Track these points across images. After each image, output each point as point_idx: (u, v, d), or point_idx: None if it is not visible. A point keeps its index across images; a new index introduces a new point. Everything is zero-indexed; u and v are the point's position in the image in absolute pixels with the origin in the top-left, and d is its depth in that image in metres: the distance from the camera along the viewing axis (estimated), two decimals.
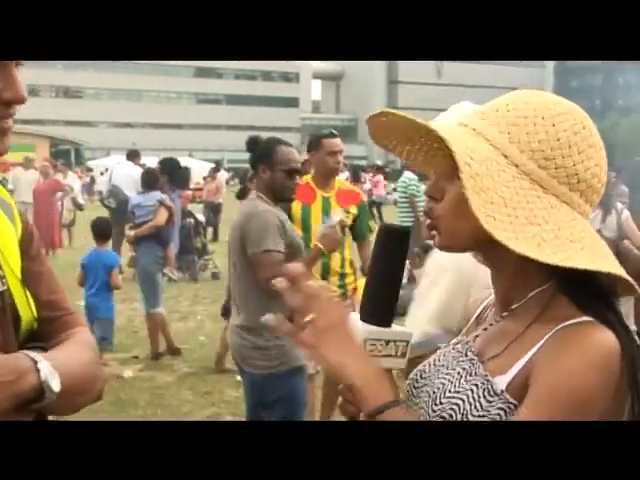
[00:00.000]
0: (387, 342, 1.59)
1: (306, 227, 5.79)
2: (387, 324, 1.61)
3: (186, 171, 15.62)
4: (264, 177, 5.03)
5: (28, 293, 1.76)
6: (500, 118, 1.54)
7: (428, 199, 1.63)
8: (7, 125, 1.64)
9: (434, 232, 1.63)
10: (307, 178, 6.08)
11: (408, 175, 12.67)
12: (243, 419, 7.32)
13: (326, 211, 5.96)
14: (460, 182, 1.44)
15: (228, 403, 8.09)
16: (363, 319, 1.61)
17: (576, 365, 1.42)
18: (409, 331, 1.64)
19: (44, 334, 1.77)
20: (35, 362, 1.56)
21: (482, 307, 1.77)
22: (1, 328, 1.68)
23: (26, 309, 1.75)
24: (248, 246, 4.78)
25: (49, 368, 1.57)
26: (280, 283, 1.50)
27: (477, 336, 1.67)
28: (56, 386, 1.57)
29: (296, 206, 5.75)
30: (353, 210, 6.16)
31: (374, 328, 1.59)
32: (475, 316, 1.78)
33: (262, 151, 5.09)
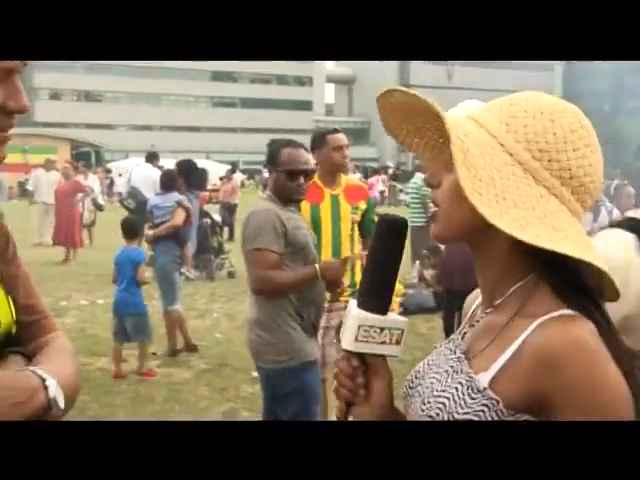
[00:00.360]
0: (382, 329, 1.59)
1: (316, 227, 5.60)
2: (383, 312, 1.61)
3: (203, 173, 15.57)
4: (271, 178, 5.13)
5: (9, 297, 1.73)
6: (502, 112, 1.55)
7: (429, 187, 1.63)
8: (7, 134, 1.63)
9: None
10: (314, 177, 5.70)
11: (420, 177, 12.68)
12: (259, 415, 7.36)
13: (335, 209, 5.87)
14: (454, 168, 1.45)
15: (244, 399, 8.08)
16: (359, 306, 1.61)
17: (585, 369, 1.41)
18: (404, 319, 1.64)
19: (22, 338, 1.74)
20: (43, 380, 1.55)
21: (474, 307, 1.77)
22: None
23: (6, 312, 1.71)
24: (244, 243, 4.86)
25: (56, 386, 1.56)
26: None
27: (465, 333, 1.68)
28: (62, 402, 1.58)
29: (305, 206, 5.55)
30: (362, 205, 6.10)
31: (369, 315, 1.59)
32: (469, 315, 1.77)
33: (269, 153, 5.13)
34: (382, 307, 1.61)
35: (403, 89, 1.58)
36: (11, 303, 1.72)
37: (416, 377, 1.69)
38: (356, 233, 6.06)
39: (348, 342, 1.59)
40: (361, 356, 1.61)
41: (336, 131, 6.20)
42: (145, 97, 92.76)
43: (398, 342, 1.61)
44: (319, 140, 6.03)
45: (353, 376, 1.62)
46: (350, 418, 1.65)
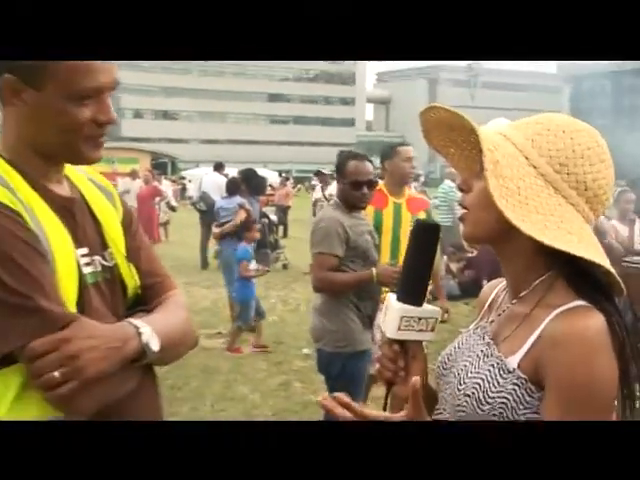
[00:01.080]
0: (419, 319, 1.61)
1: (378, 231, 5.29)
2: (419, 304, 1.62)
3: (262, 179, 15.84)
4: (338, 187, 5.10)
5: (132, 266, 1.81)
6: (528, 129, 1.55)
7: (461, 192, 1.64)
8: (102, 140, 1.69)
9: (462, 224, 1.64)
10: (380, 185, 5.49)
11: (448, 183, 12.82)
12: (309, 386, 7.37)
13: (397, 217, 5.66)
14: (484, 176, 1.46)
15: (296, 372, 8.07)
16: (399, 299, 1.63)
17: (580, 358, 1.42)
18: (437, 309, 1.66)
19: (146, 298, 1.81)
20: (137, 328, 1.62)
21: (494, 294, 1.75)
22: (112, 295, 1.74)
23: (131, 279, 1.80)
24: (311, 246, 4.83)
25: (150, 332, 1.63)
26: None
27: (492, 321, 1.66)
28: (155, 346, 1.63)
29: (369, 210, 5.29)
30: (422, 216, 5.80)
31: (410, 307, 1.61)
32: (488, 303, 1.75)
33: (337, 164, 5.07)
34: (419, 300, 1.63)
35: (445, 106, 1.59)
36: (134, 271, 1.80)
37: (448, 359, 1.69)
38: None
39: (392, 331, 1.61)
40: (401, 343, 1.63)
41: (406, 144, 6.05)
42: (213, 116, 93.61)
43: (433, 329, 1.63)
44: (390, 151, 5.85)
45: (395, 360, 1.64)
46: (390, 398, 1.65)
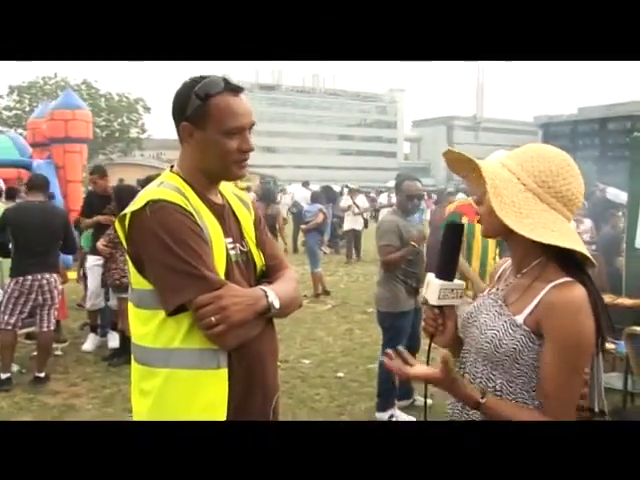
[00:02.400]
0: (452, 290, 1.64)
1: (469, 241, 4.63)
2: (451, 279, 1.65)
3: (335, 192, 16.34)
4: (397, 199, 5.19)
5: (260, 251, 1.85)
6: (518, 157, 1.55)
7: (476, 205, 1.68)
8: (245, 163, 1.73)
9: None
10: (470, 200, 4.74)
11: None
12: (366, 332, 7.32)
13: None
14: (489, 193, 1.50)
15: (357, 322, 8.10)
16: (438, 277, 1.65)
17: (571, 318, 1.44)
18: (462, 282, 1.67)
19: (269, 273, 1.85)
20: (265, 292, 1.69)
21: (501, 270, 1.74)
22: (247, 270, 1.78)
23: (259, 260, 1.84)
24: (376, 240, 4.90)
25: (273, 294, 1.70)
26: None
27: (502, 289, 1.64)
28: (277, 304, 1.70)
29: (464, 220, 4.61)
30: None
31: (445, 282, 1.64)
32: (497, 275, 1.74)
33: (396, 183, 5.15)
34: (451, 277, 1.65)
35: (457, 151, 1.62)
36: (261, 255, 1.85)
37: (471, 316, 1.67)
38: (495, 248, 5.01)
39: (434, 300, 1.64)
40: (440, 307, 1.66)
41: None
42: (302, 150, 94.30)
43: (461, 296, 1.67)
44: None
45: (436, 319, 1.68)
46: (430, 351, 1.67)
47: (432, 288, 1.64)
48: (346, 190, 16.71)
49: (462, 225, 1.70)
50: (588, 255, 1.50)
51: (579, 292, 1.46)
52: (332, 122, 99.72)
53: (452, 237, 1.67)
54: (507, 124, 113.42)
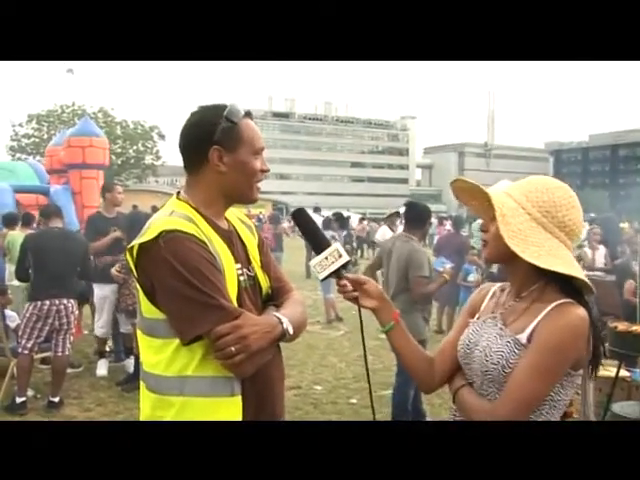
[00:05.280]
0: (325, 258, 1.70)
1: None
2: (321, 251, 1.72)
3: (346, 219, 16.36)
4: (416, 227, 5.04)
5: (265, 274, 1.87)
6: (523, 188, 1.62)
7: (482, 232, 1.70)
8: (259, 185, 1.79)
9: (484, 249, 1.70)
10: None
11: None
12: (379, 358, 7.27)
13: None
14: (497, 222, 1.56)
15: (371, 349, 7.94)
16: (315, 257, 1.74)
17: (561, 328, 1.49)
18: (333, 244, 1.73)
19: (275, 296, 1.86)
20: (279, 319, 1.70)
21: (490, 295, 1.79)
22: (254, 295, 1.80)
23: (265, 283, 1.85)
24: (410, 270, 4.74)
25: (287, 321, 1.71)
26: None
27: (501, 313, 1.67)
28: (291, 331, 1.71)
29: None
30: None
31: (317, 257, 1.72)
32: (485, 303, 1.78)
33: (415, 211, 5.09)
34: (320, 250, 1.72)
35: (466, 179, 1.68)
36: (266, 278, 1.86)
37: (470, 342, 1.69)
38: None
39: (320, 276, 1.72)
40: (338, 277, 1.72)
41: None
42: (313, 177, 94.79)
43: (340, 256, 1.70)
44: None
45: (344, 286, 1.74)
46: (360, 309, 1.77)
47: (313, 270, 1.74)
48: (361, 219, 16.80)
49: (301, 209, 1.82)
50: (588, 282, 1.56)
51: (581, 312, 1.51)
52: (344, 149, 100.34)
53: (302, 220, 1.79)
54: (518, 151, 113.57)
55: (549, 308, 1.53)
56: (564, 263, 1.54)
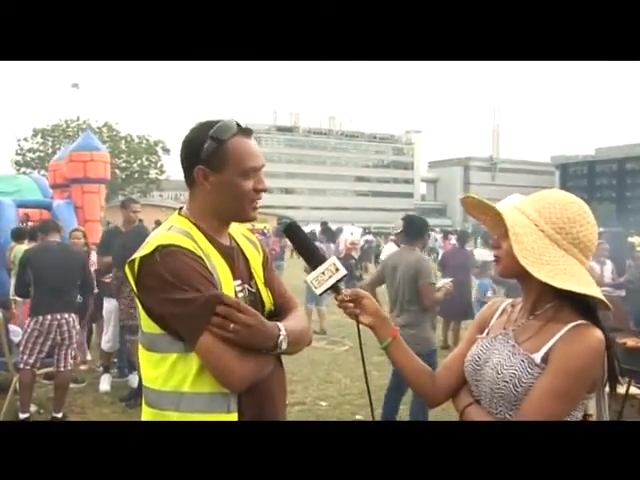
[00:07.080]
0: (322, 272, 1.67)
1: None
2: (317, 266, 1.69)
3: (334, 232, 16.73)
4: (417, 238, 5.21)
5: (268, 290, 1.85)
6: (535, 203, 1.58)
7: (493, 249, 1.67)
8: (257, 204, 1.75)
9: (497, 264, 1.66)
10: None
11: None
12: (384, 374, 7.23)
13: None
14: (509, 238, 1.52)
15: (376, 364, 7.89)
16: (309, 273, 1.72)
17: (581, 352, 1.45)
18: (330, 259, 1.70)
19: (279, 311, 1.83)
20: (279, 327, 1.66)
21: (500, 310, 1.76)
22: (255, 310, 1.78)
23: (267, 299, 1.83)
24: (420, 277, 4.88)
25: (285, 334, 1.66)
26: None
27: (514, 330, 1.63)
28: (285, 345, 1.66)
29: None
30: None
31: (313, 273, 1.69)
32: (495, 318, 1.75)
33: (415, 225, 5.25)
34: (315, 264, 1.69)
35: (476, 197, 1.66)
36: (269, 293, 1.83)
37: (479, 358, 1.65)
38: None
39: (317, 291, 1.69)
40: (336, 291, 1.70)
41: None
42: (318, 191, 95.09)
43: (337, 269, 1.67)
44: None
45: (343, 302, 1.71)
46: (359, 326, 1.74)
47: (310, 284, 1.70)
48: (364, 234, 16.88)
49: (292, 223, 1.78)
50: (604, 299, 1.52)
51: (599, 335, 1.47)
52: (349, 163, 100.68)
53: (294, 235, 1.75)
54: (524, 165, 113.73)
55: (565, 329, 1.49)
56: (579, 282, 1.50)
